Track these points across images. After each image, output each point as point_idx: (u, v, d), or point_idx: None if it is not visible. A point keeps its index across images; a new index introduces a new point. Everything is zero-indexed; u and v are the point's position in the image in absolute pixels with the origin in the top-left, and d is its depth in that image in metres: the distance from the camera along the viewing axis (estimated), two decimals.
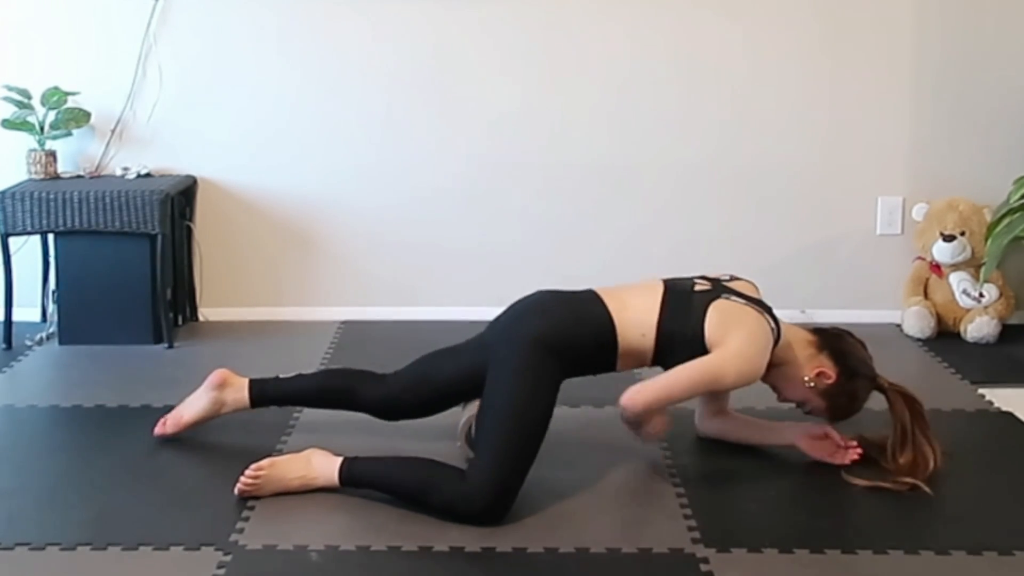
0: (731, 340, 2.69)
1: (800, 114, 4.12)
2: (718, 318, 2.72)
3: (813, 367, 2.80)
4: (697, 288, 2.80)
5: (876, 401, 2.88)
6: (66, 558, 2.43)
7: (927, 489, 2.71)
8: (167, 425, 3.02)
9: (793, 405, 2.90)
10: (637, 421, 2.69)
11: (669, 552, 2.45)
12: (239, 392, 2.98)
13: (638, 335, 2.76)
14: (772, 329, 2.75)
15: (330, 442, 2.87)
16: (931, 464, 2.76)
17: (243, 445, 2.99)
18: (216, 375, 3.00)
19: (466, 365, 2.82)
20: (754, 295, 2.84)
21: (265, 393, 2.99)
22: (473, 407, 2.84)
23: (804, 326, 2.92)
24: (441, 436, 2.95)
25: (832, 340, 2.84)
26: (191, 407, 3.01)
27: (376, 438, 2.98)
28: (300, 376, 3.03)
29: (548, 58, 4.10)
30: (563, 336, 2.72)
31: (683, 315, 2.75)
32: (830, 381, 2.79)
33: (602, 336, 2.75)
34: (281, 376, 3.05)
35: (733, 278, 2.88)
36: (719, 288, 2.81)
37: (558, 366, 2.70)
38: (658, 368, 2.82)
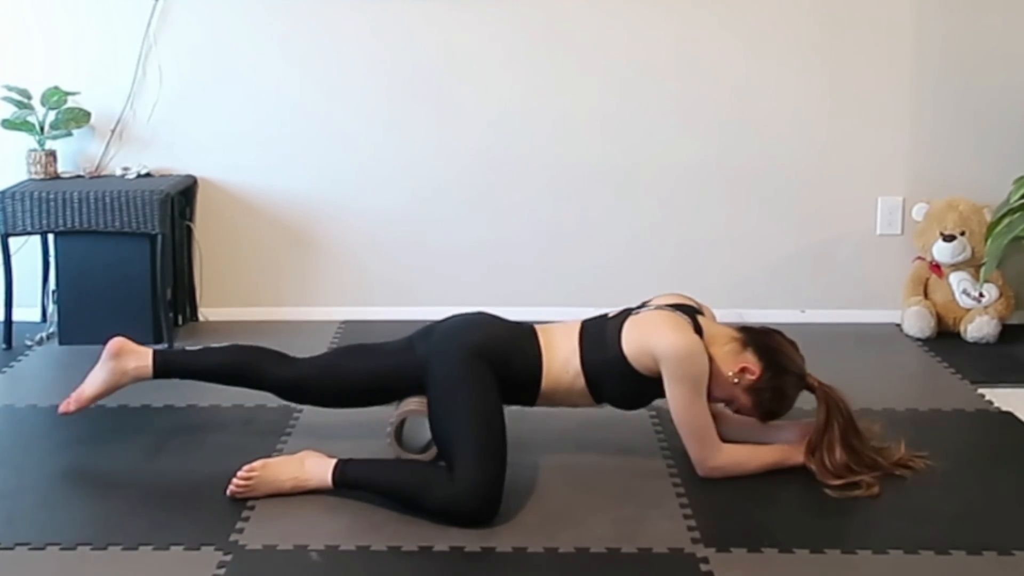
0: (657, 348, 2.70)
1: (800, 114, 4.12)
2: (630, 330, 2.77)
3: (736, 363, 2.78)
4: (610, 315, 2.87)
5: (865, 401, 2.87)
6: (66, 558, 2.43)
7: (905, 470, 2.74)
8: (70, 402, 2.92)
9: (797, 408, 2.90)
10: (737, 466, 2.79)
11: (669, 552, 2.45)
12: (141, 360, 2.91)
13: (561, 370, 2.80)
14: (687, 321, 2.77)
15: (329, 444, 2.88)
16: (835, 462, 2.76)
17: (243, 446, 2.99)
18: (112, 343, 2.92)
19: (386, 366, 2.84)
20: (671, 302, 2.86)
21: (169, 364, 2.93)
22: (405, 406, 2.84)
23: (732, 324, 2.91)
24: None
25: (757, 336, 2.83)
26: (91, 380, 2.92)
27: (375, 441, 2.98)
28: (208, 349, 2.97)
29: (549, 58, 4.10)
30: (499, 353, 2.76)
31: (600, 342, 2.80)
32: (754, 377, 2.77)
33: (530, 367, 2.80)
34: (188, 348, 3.00)
35: (653, 299, 2.92)
36: (631, 310, 2.87)
37: (493, 377, 2.72)
38: (605, 405, 2.88)
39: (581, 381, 2.80)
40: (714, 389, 2.81)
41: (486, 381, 2.70)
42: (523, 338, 2.83)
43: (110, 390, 2.94)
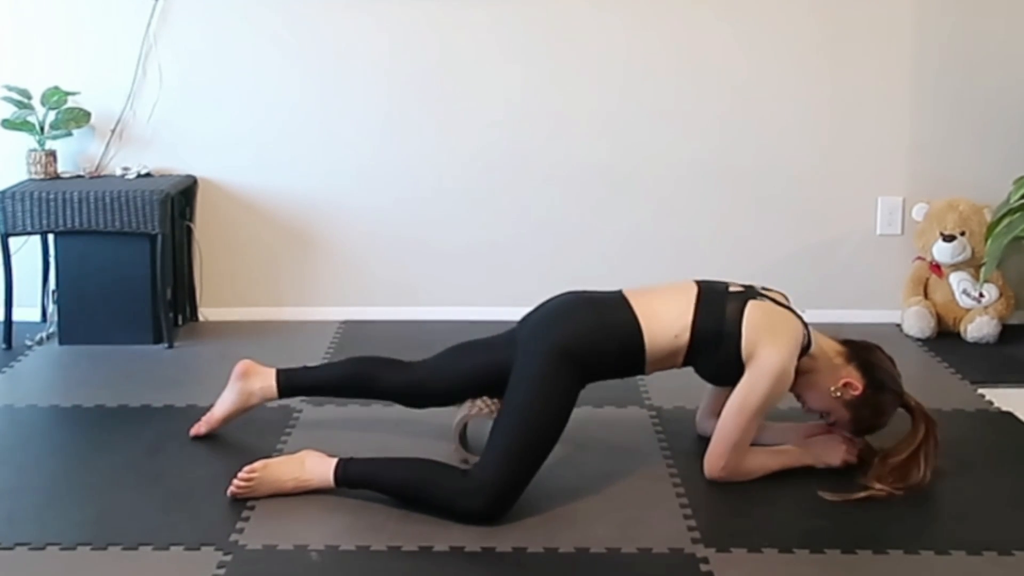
0: (762, 354, 2.68)
1: (800, 114, 4.12)
2: (756, 317, 2.72)
3: (840, 377, 2.77)
4: (732, 289, 2.80)
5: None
6: (66, 558, 2.43)
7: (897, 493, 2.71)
8: (201, 425, 3.03)
9: (797, 407, 2.90)
10: (745, 471, 2.77)
11: (669, 552, 2.45)
12: (266, 380, 2.98)
13: (671, 337, 2.73)
14: (804, 335, 2.75)
15: (330, 440, 2.88)
16: (920, 480, 2.74)
17: (243, 445, 2.99)
18: (240, 365, 3.01)
19: (493, 360, 2.82)
20: (785, 303, 2.84)
21: (293, 382, 3.00)
22: (466, 409, 2.84)
23: (835, 337, 2.89)
24: (440, 436, 2.95)
25: (861, 352, 2.82)
26: (221, 402, 3.03)
27: (376, 437, 2.98)
28: (326, 364, 3.07)
29: (549, 58, 4.10)
30: (587, 343, 2.70)
31: (719, 315, 2.73)
32: (856, 392, 2.76)
33: (628, 343, 2.73)
34: (308, 365, 3.08)
35: (765, 288, 2.87)
36: (753, 291, 2.81)
37: (579, 374, 2.69)
38: (688, 369, 2.82)
39: (684, 347, 2.74)
40: (813, 400, 2.81)
41: (561, 385, 2.65)
42: (615, 315, 2.74)
43: (239, 411, 3.02)
